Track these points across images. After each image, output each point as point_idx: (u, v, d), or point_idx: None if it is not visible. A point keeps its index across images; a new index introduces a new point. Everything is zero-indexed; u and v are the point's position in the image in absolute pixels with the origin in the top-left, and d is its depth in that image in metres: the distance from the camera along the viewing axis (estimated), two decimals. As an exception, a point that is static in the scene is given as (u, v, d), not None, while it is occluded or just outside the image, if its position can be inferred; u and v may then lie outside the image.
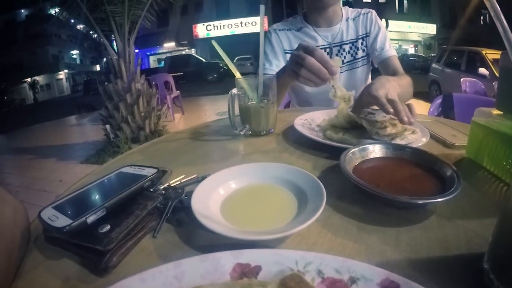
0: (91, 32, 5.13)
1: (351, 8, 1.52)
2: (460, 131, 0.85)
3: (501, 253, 0.35)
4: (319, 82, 0.86)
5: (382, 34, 1.46)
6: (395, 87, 0.83)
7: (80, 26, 5.45)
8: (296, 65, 0.88)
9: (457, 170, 0.52)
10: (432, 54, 18.05)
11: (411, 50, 30.42)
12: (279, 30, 1.50)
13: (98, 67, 37.61)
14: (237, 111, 0.87)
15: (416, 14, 26.87)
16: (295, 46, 1.39)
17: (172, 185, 0.53)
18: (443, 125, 0.94)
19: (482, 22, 27.87)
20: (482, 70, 6.61)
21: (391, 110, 0.73)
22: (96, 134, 5.63)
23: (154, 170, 0.51)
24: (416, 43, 30.82)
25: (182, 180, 0.56)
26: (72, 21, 5.16)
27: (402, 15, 26.98)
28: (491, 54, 6.99)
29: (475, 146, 0.69)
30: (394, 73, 1.36)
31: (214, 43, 0.88)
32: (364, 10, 1.50)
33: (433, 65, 9.15)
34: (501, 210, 0.35)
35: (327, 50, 1.45)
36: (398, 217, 0.47)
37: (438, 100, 1.77)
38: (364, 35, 1.48)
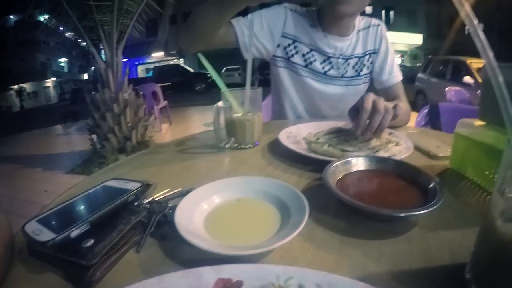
0: (79, 40, 5.10)
1: (360, 17, 1.35)
2: (444, 142, 0.86)
3: (483, 263, 0.35)
4: None
5: (391, 55, 1.36)
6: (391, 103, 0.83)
7: (69, 34, 5.42)
8: None
9: (439, 181, 0.53)
10: (418, 64, 18.34)
11: (398, 60, 30.92)
12: (292, 10, 1.28)
13: (86, 76, 37.32)
14: (223, 123, 0.88)
15: (403, 24, 27.35)
16: (301, 38, 1.26)
17: (156, 199, 0.53)
18: (427, 136, 0.95)
19: (467, 32, 28.59)
20: (467, 79, 6.75)
21: (363, 117, 0.75)
22: (82, 144, 5.55)
23: (139, 184, 0.51)
24: (402, 53, 31.36)
25: (167, 194, 0.56)
26: (61, 28, 5.13)
27: (388, 26, 27.22)
28: (476, 63, 7.18)
29: (458, 157, 0.70)
30: (394, 98, 1.31)
31: (200, 56, 0.88)
32: (373, 21, 1.36)
33: (419, 74, 9.30)
34: (482, 220, 0.36)
35: (332, 61, 1.30)
36: (381, 230, 0.47)
37: (425, 110, 1.80)
38: (372, 52, 1.35)
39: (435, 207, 0.46)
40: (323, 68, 1.30)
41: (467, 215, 0.53)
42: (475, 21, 0.37)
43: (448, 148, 0.75)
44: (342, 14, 1.19)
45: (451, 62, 8.04)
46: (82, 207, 0.48)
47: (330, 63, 1.30)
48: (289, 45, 1.28)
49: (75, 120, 9.67)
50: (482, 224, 0.36)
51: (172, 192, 0.57)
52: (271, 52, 1.29)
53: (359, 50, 1.33)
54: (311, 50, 1.28)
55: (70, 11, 3.99)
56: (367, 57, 1.35)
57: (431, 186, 0.53)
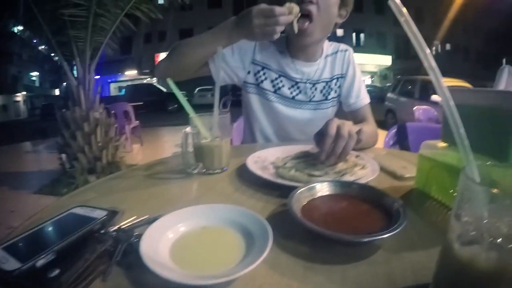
0: (52, 55, 4.98)
1: (329, 42, 1.40)
2: (411, 162, 0.88)
3: (443, 285, 0.37)
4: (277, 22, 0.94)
5: (358, 79, 1.39)
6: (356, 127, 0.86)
7: (42, 47, 5.31)
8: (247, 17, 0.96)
9: (403, 204, 0.54)
10: (388, 84, 18.94)
11: (368, 81, 32.14)
12: None
13: (57, 92, 36.26)
14: (191, 149, 0.88)
15: (373, 46, 28.34)
16: (270, 64, 1.31)
17: (122, 227, 0.53)
18: (394, 157, 0.98)
19: (434, 52, 30.32)
20: (435, 97, 7.01)
21: (327, 142, 0.77)
22: (51, 162, 5.35)
23: (104, 213, 0.51)
24: (372, 74, 32.50)
25: (133, 222, 0.55)
26: (34, 41, 5.02)
27: (359, 48, 28.50)
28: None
29: (423, 177, 0.73)
30: (362, 120, 1.35)
31: (169, 81, 0.89)
32: (341, 47, 1.41)
33: (389, 94, 9.62)
34: (442, 242, 0.37)
35: (300, 86, 1.33)
36: (345, 254, 0.48)
37: (393, 130, 1.85)
38: (339, 76, 1.38)
39: (397, 230, 0.47)
40: (291, 93, 1.33)
41: (431, 235, 0.54)
42: (427, 51, 0.40)
43: (414, 169, 0.78)
44: (306, 44, 1.24)
45: (419, 81, 8.37)
46: (48, 235, 0.49)
47: (298, 88, 1.33)
48: (258, 72, 1.31)
49: (44, 137, 9.35)
50: (442, 247, 0.37)
51: (139, 220, 0.56)
52: (242, 78, 1.32)
53: (326, 75, 1.37)
54: (280, 76, 1.32)
55: (44, 25, 3.90)
56: (334, 81, 1.38)
57: (394, 208, 0.54)
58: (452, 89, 0.71)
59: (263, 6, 0.96)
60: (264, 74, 1.31)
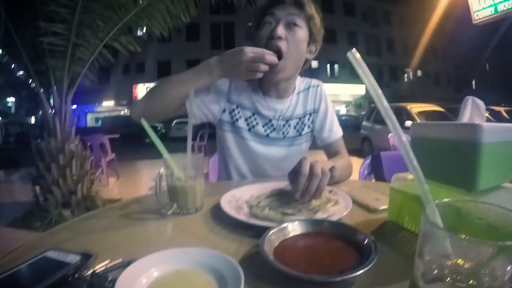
0: (30, 81, 4.89)
1: (301, 78, 1.43)
2: (384, 194, 0.89)
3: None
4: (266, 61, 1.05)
5: (330, 113, 1.41)
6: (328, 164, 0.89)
7: (20, 73, 5.21)
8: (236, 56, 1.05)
9: (374, 239, 0.55)
10: (363, 113, 19.36)
11: (343, 110, 33.01)
12: None
13: (33, 119, 35.37)
14: (165, 189, 0.88)
15: (347, 76, 29.06)
16: (244, 102, 1.33)
17: (96, 271, 0.52)
18: (368, 189, 1.00)
19: (406, 79, 31.66)
20: (408, 123, 7.24)
21: (301, 181, 0.79)
22: (24, 194, 5.13)
23: (78, 257, 0.51)
24: (347, 103, 33.40)
25: (107, 265, 0.55)
26: (13, 66, 4.94)
27: (333, 78, 29.53)
28: (415, 108, 7.92)
29: (395, 209, 0.75)
30: (335, 154, 1.39)
31: (144, 122, 0.90)
32: (313, 82, 1.44)
33: (364, 122, 9.81)
34: (410, 279, 0.39)
35: (274, 123, 1.35)
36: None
37: (368, 160, 1.88)
38: (312, 111, 1.41)
39: (368, 267, 0.48)
40: (265, 131, 1.34)
41: (403, 268, 0.54)
42: (379, 91, 0.43)
43: (387, 200, 0.79)
44: (278, 81, 1.27)
45: (393, 108, 8.61)
46: (21, 281, 0.48)
47: (272, 125, 1.35)
48: (233, 110, 1.32)
49: (17, 167, 9.04)
50: (409, 283, 0.39)
51: (112, 263, 0.55)
52: (218, 116, 1.33)
53: (299, 111, 1.39)
54: (253, 114, 1.33)
55: (23, 51, 3.84)
56: (307, 117, 1.40)
57: (366, 244, 0.55)
58: (420, 124, 0.75)
59: (252, 47, 1.06)
60: (238, 112, 1.32)
